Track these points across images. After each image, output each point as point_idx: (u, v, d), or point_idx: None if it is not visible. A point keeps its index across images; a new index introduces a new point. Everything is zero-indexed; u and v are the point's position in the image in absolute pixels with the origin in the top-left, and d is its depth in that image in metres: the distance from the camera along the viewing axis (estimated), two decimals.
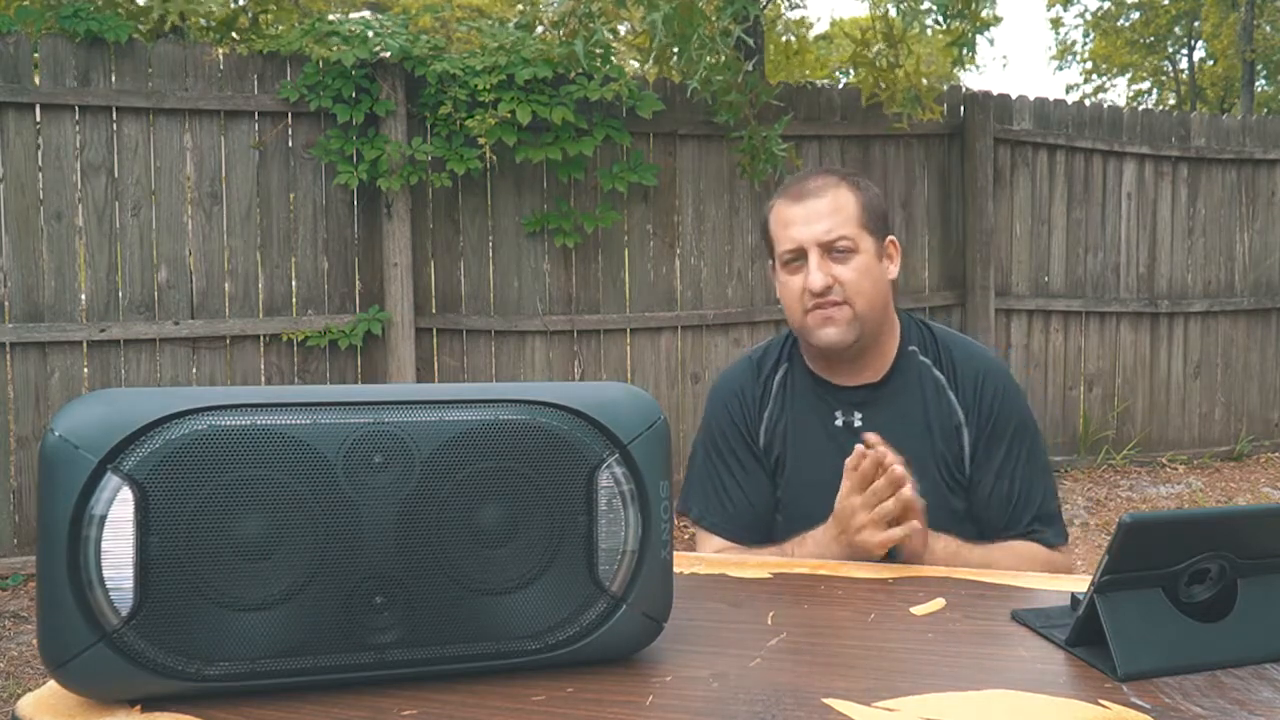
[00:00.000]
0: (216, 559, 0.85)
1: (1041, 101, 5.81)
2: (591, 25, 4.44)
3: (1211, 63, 21.48)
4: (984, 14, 4.90)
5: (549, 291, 4.82)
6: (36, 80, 4.09)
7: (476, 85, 4.33)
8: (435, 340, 4.71)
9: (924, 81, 5.05)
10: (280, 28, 5.75)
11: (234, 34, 5.54)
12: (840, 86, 5.53)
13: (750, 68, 4.85)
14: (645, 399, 0.98)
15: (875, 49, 5.05)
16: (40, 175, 4.10)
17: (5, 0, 4.78)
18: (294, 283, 4.48)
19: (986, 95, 5.52)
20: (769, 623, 1.09)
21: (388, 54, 4.32)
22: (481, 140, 4.32)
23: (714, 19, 4.37)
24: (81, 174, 4.14)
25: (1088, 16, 23.51)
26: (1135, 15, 21.79)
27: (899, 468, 1.34)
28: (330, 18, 4.80)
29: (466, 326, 4.71)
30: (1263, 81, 19.95)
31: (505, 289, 4.76)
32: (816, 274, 1.53)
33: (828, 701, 0.87)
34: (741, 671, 0.95)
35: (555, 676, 0.94)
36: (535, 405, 0.94)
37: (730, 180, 5.06)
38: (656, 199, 4.95)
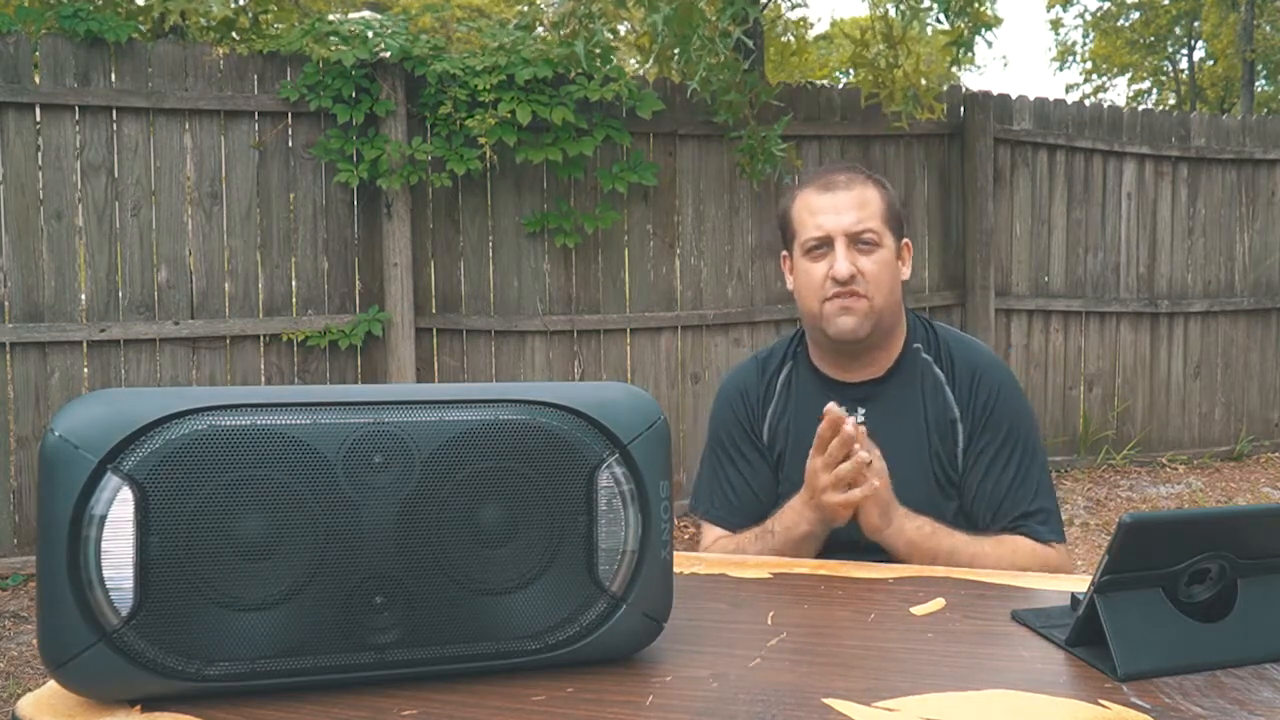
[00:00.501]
0: (216, 559, 0.85)
1: (1041, 101, 5.81)
2: (592, 26, 4.45)
3: (1211, 63, 21.48)
4: (985, 12, 4.90)
5: (549, 291, 4.82)
6: (36, 80, 4.09)
7: (476, 85, 4.33)
8: (435, 340, 4.71)
9: (923, 81, 5.05)
10: (280, 28, 5.75)
11: (234, 34, 5.54)
12: (840, 86, 5.53)
13: (749, 67, 4.85)
14: (645, 399, 0.98)
15: (875, 49, 5.05)
16: (40, 175, 4.10)
17: (5, 0, 4.78)
18: (294, 283, 4.48)
19: (986, 95, 5.52)
20: (769, 623, 1.09)
21: (388, 54, 4.31)
22: (482, 140, 4.32)
23: (714, 20, 4.37)
24: (81, 174, 4.14)
25: (1087, 17, 23.53)
26: (1135, 15, 21.79)
27: (848, 428, 1.37)
28: (330, 18, 4.80)
29: (466, 326, 4.71)
30: (1263, 81, 19.95)
31: (505, 289, 4.76)
32: (843, 262, 1.55)
33: (828, 701, 0.87)
34: (741, 671, 0.95)
35: (555, 676, 0.94)
36: (535, 405, 0.94)
37: (730, 180, 5.06)
38: (656, 199, 4.95)
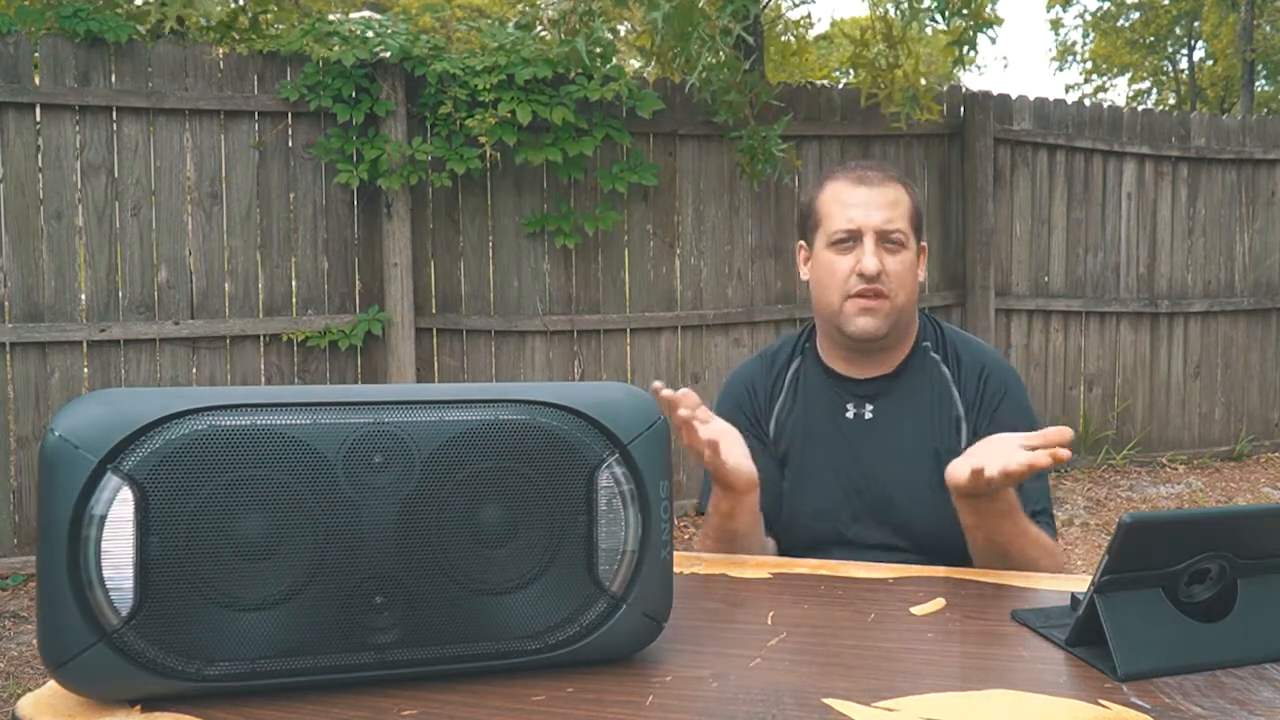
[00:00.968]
0: (216, 559, 0.85)
1: (1041, 101, 5.81)
2: (592, 24, 4.44)
3: (1211, 63, 21.48)
4: (986, 11, 4.90)
5: (549, 291, 4.82)
6: (36, 80, 4.09)
7: (476, 85, 4.33)
8: (435, 340, 4.71)
9: (922, 82, 5.05)
10: (280, 28, 5.75)
11: (234, 34, 5.54)
12: (840, 86, 5.53)
13: (750, 67, 4.85)
14: (645, 399, 0.98)
15: (875, 49, 5.05)
16: (40, 175, 4.10)
17: (5, 0, 4.78)
18: (294, 283, 4.48)
19: (986, 95, 5.52)
20: (769, 623, 1.09)
21: (388, 54, 4.31)
22: (482, 140, 4.32)
23: (714, 17, 4.37)
24: (81, 174, 4.14)
25: (1087, 17, 23.53)
26: (1135, 15, 21.79)
27: (664, 393, 1.26)
28: (330, 18, 4.80)
29: (466, 326, 4.71)
30: (1263, 81, 19.94)
31: (505, 289, 4.76)
32: (871, 258, 1.53)
33: (828, 701, 0.87)
34: (741, 671, 0.95)
35: (555, 676, 0.94)
36: (535, 405, 0.94)
37: (730, 180, 5.06)
38: (656, 199, 4.95)
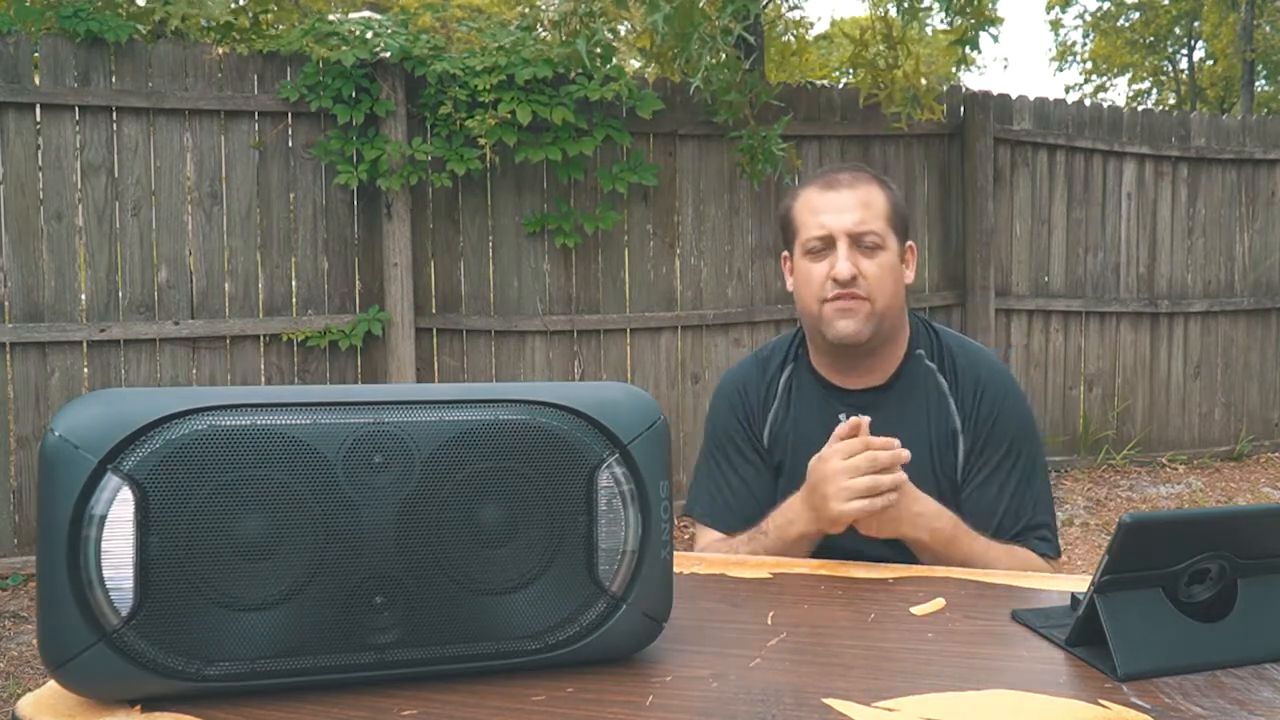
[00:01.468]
0: (217, 559, 0.85)
1: (1041, 101, 5.81)
2: (592, 25, 4.44)
3: (1211, 63, 21.48)
4: (988, 10, 4.90)
5: (549, 291, 4.82)
6: (36, 80, 4.09)
7: (476, 85, 4.33)
8: (435, 340, 4.71)
9: (922, 82, 5.05)
10: (280, 28, 5.75)
11: (234, 34, 5.54)
12: (840, 86, 5.53)
13: (750, 67, 4.85)
14: (645, 399, 0.98)
15: (874, 50, 5.05)
16: (40, 175, 4.10)
17: (5, 0, 4.78)
18: (294, 283, 4.48)
19: (986, 95, 5.52)
20: (769, 623, 1.09)
21: (388, 54, 4.31)
22: (482, 140, 4.32)
23: (714, 18, 4.37)
24: (81, 174, 4.14)
25: (1087, 17, 23.53)
26: (1135, 15, 21.79)
27: (874, 439, 1.36)
28: (330, 18, 4.80)
29: (466, 326, 4.71)
30: (1263, 81, 19.94)
31: (505, 289, 4.76)
32: (844, 263, 1.52)
33: (828, 701, 0.87)
34: (741, 671, 0.95)
35: (555, 676, 0.94)
36: (535, 405, 0.94)
37: (730, 180, 5.06)
38: (656, 199, 4.95)
